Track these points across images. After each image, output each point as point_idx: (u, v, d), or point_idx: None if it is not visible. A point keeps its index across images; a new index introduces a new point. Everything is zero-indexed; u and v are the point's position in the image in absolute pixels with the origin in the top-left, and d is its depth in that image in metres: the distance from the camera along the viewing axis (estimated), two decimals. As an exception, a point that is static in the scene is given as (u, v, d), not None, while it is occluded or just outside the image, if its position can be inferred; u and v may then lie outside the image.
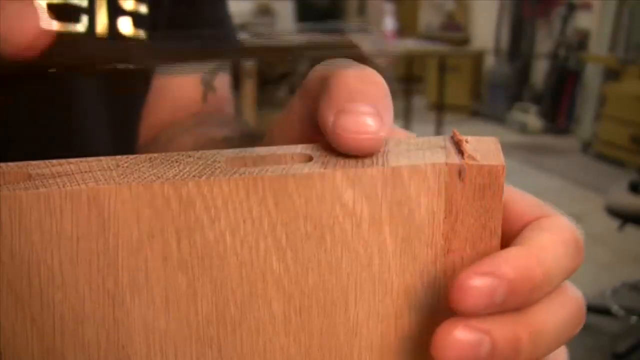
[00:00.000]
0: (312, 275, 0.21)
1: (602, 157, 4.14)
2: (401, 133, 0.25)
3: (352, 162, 0.21)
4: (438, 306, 0.22)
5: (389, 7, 4.26)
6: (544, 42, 5.05)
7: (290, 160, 0.22)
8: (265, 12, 4.89)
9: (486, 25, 5.48)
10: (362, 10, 5.62)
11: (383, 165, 0.21)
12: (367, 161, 0.21)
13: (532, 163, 4.03)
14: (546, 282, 0.20)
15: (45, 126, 0.38)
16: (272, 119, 0.28)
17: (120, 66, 0.34)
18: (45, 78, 0.37)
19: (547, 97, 4.89)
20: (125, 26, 0.39)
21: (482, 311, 0.19)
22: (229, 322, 0.21)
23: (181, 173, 0.20)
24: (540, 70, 5.11)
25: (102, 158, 0.21)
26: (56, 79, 0.37)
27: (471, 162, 0.21)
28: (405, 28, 5.31)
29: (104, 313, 0.20)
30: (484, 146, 0.22)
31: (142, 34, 0.42)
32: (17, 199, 0.19)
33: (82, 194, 0.19)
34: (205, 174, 0.20)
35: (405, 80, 4.41)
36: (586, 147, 4.37)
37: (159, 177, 0.20)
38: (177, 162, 0.21)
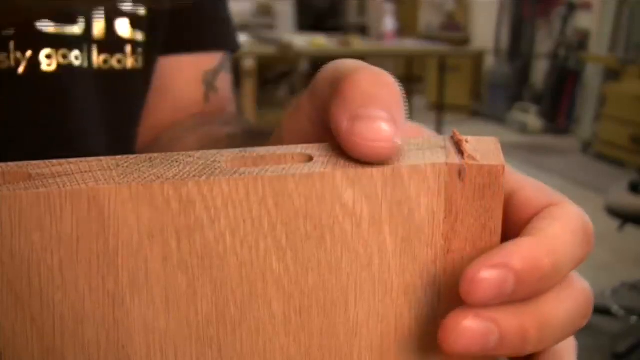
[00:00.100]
0: (312, 275, 0.21)
1: (602, 157, 4.15)
2: (411, 127, 0.25)
3: (352, 162, 0.21)
4: (438, 306, 0.22)
5: (389, 7, 4.26)
6: (544, 42, 5.06)
7: (290, 160, 0.22)
8: (265, 12, 4.89)
9: (486, 25, 5.48)
10: (362, 10, 5.62)
11: (383, 165, 0.21)
12: None
13: (532, 163, 4.03)
14: (555, 272, 0.20)
15: (45, 126, 0.38)
16: (280, 118, 0.28)
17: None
18: (45, 78, 0.37)
19: (547, 97, 4.89)
20: None
21: (491, 302, 0.19)
22: (229, 322, 0.21)
23: (181, 173, 0.20)
24: (540, 70, 5.11)
25: (102, 158, 0.21)
26: (56, 79, 0.37)
27: (471, 162, 0.21)
28: (405, 28, 5.30)
29: (104, 313, 0.20)
30: (484, 146, 0.22)
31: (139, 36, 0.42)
32: (17, 199, 0.19)
33: (82, 194, 0.19)
34: (205, 174, 0.20)
35: (405, 80, 4.41)
36: (586, 147, 4.37)
37: (159, 177, 0.20)
38: (177, 162, 0.21)
